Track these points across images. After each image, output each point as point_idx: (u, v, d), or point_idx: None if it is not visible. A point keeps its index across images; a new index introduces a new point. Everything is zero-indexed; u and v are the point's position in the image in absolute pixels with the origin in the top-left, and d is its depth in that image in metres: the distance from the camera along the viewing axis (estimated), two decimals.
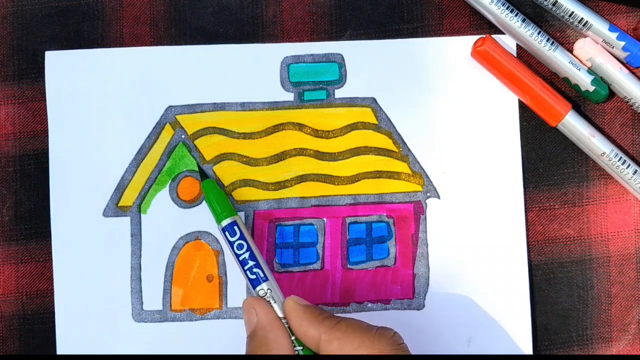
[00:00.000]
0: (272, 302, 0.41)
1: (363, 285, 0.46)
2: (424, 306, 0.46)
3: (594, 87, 0.45)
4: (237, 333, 0.45)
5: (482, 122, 0.46)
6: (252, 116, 0.46)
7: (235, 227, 0.43)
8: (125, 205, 0.46)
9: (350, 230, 0.46)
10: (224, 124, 0.46)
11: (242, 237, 0.43)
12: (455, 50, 0.46)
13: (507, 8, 0.45)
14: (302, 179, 0.46)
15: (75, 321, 0.45)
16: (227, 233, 0.43)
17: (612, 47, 0.45)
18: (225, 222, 0.43)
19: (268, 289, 0.41)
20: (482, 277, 0.46)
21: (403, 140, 0.46)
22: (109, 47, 0.46)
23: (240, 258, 0.42)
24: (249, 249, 0.42)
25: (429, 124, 0.46)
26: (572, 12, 0.45)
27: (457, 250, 0.46)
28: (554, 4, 0.45)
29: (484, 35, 0.46)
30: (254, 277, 0.42)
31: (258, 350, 0.39)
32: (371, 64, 0.46)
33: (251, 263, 0.42)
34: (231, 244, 0.43)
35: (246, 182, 0.46)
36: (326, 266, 0.46)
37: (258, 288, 0.42)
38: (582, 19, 0.45)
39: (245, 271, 0.42)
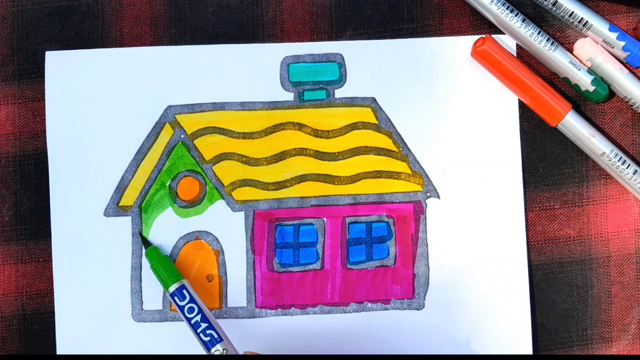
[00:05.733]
0: None
1: (363, 285, 0.46)
2: (424, 306, 0.46)
3: (594, 87, 0.45)
4: (237, 333, 0.45)
5: (482, 122, 0.46)
6: (252, 116, 0.46)
7: (184, 291, 0.43)
8: (126, 205, 0.46)
9: (350, 230, 0.46)
10: (223, 124, 0.46)
11: (192, 300, 0.43)
12: (455, 50, 0.46)
13: (507, 8, 0.45)
14: (302, 178, 0.46)
15: (75, 321, 0.45)
16: (176, 298, 0.43)
17: (612, 47, 0.45)
18: (173, 287, 0.43)
19: (224, 349, 0.42)
20: (482, 277, 0.46)
21: (403, 140, 0.46)
22: (109, 47, 0.46)
23: (192, 321, 0.42)
24: (200, 311, 0.43)
25: (429, 124, 0.46)
26: (572, 12, 0.45)
27: (457, 250, 0.46)
28: (554, 4, 0.45)
29: (484, 35, 0.46)
30: (207, 339, 0.42)
31: None
32: (371, 64, 0.46)
33: (204, 325, 0.42)
34: (181, 308, 0.43)
35: (246, 182, 0.46)
36: (326, 266, 0.46)
37: (213, 349, 0.42)
38: (582, 19, 0.45)
39: (198, 334, 0.42)
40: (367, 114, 0.46)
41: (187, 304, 0.43)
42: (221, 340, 0.42)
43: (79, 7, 0.46)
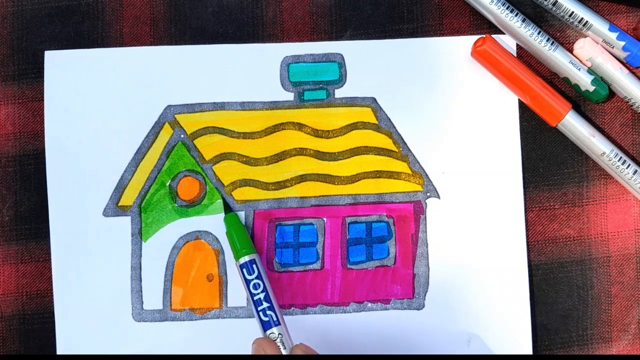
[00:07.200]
0: (281, 347, 0.41)
1: (363, 285, 0.46)
2: (424, 306, 0.46)
3: (594, 87, 0.45)
4: (237, 333, 0.45)
5: (482, 122, 0.46)
6: (252, 116, 0.46)
7: (254, 266, 0.43)
8: (126, 205, 0.46)
9: (350, 230, 0.46)
10: (223, 124, 0.46)
11: (259, 277, 0.43)
12: (455, 50, 0.46)
13: (507, 8, 0.45)
14: (302, 178, 0.46)
15: (75, 321, 0.45)
16: (244, 270, 0.43)
17: (612, 47, 0.45)
18: (243, 260, 0.43)
19: (279, 334, 0.41)
20: (482, 277, 0.46)
21: (403, 140, 0.46)
22: (109, 47, 0.46)
23: (255, 298, 0.42)
24: (264, 289, 0.42)
25: (429, 124, 0.46)
26: (572, 12, 0.45)
27: (457, 250, 0.46)
28: (554, 4, 0.45)
29: (484, 35, 0.46)
30: (266, 319, 0.42)
31: None
32: (371, 64, 0.46)
33: (265, 305, 0.42)
34: (247, 282, 0.43)
35: (246, 182, 0.46)
36: (326, 266, 0.46)
37: (269, 332, 0.41)
38: (582, 19, 0.45)
39: (258, 312, 0.42)
40: (367, 114, 0.46)
41: (254, 279, 0.42)
42: (279, 324, 0.41)
43: (79, 7, 0.46)
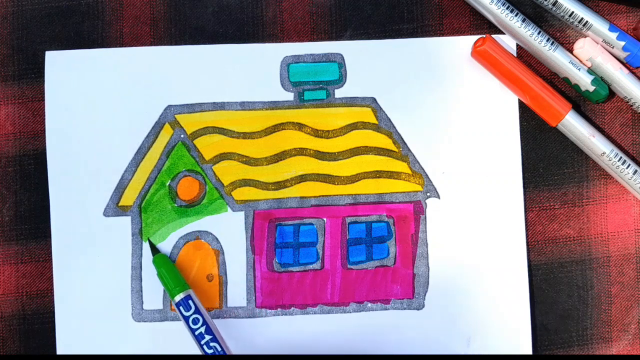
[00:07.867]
0: None
1: (363, 285, 0.46)
2: (423, 306, 0.46)
3: (594, 87, 0.45)
4: (236, 333, 0.45)
5: (482, 122, 0.46)
6: (251, 116, 0.46)
7: (190, 302, 0.43)
8: (126, 205, 0.46)
9: (350, 230, 0.46)
10: (223, 124, 0.46)
11: (197, 311, 0.43)
12: (455, 50, 0.46)
13: (507, 8, 0.45)
14: (302, 178, 0.46)
15: (75, 321, 0.45)
16: (181, 308, 0.43)
17: (612, 47, 0.45)
18: (179, 297, 0.43)
19: None
20: (482, 277, 0.46)
21: (403, 140, 0.46)
22: (109, 47, 0.46)
23: (197, 333, 0.42)
24: (204, 322, 0.43)
25: (429, 124, 0.46)
26: (572, 12, 0.45)
27: (457, 250, 0.46)
28: (554, 4, 0.45)
29: (484, 35, 0.46)
30: (211, 351, 0.42)
31: None
32: (371, 64, 0.46)
33: (208, 337, 0.42)
34: (186, 318, 0.43)
35: (246, 182, 0.46)
36: (326, 266, 0.46)
37: None
38: (582, 19, 0.45)
39: (202, 346, 0.42)
40: (367, 114, 0.46)
41: (192, 314, 0.43)
42: (224, 353, 0.42)
43: (79, 7, 0.46)
